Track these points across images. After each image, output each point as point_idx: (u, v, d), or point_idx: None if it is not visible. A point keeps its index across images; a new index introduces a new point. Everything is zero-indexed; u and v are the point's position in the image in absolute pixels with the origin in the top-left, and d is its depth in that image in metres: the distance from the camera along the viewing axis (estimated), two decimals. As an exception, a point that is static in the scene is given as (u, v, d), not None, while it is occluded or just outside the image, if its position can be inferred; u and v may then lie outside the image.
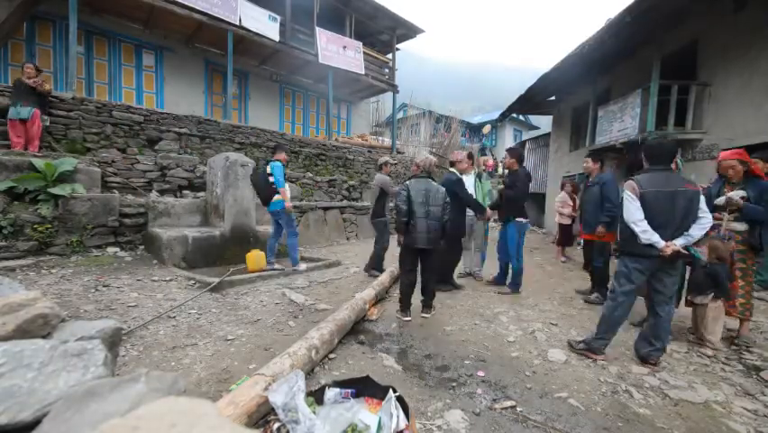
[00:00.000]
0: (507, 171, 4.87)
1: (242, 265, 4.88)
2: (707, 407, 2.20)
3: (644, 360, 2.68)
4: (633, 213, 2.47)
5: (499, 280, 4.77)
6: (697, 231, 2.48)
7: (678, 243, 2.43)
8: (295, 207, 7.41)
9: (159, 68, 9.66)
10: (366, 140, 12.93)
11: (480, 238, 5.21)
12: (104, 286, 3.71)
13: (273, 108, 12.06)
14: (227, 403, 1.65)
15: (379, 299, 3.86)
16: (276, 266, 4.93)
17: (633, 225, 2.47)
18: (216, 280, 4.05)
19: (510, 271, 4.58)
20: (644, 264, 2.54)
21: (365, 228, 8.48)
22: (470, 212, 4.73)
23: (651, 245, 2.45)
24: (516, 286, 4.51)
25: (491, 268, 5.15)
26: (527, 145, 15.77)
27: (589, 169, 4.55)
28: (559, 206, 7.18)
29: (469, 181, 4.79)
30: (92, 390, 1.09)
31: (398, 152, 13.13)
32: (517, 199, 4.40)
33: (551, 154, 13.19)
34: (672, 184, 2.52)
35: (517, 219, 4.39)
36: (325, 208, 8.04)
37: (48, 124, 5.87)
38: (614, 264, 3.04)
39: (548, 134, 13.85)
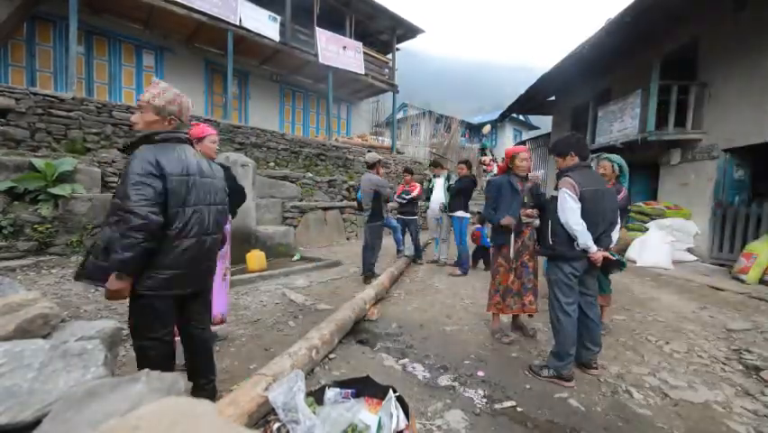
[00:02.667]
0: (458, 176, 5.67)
1: (242, 265, 4.88)
2: (707, 407, 2.20)
3: (587, 366, 2.54)
4: (572, 214, 2.30)
5: (456, 265, 5.47)
6: (615, 234, 2.51)
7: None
8: (295, 207, 7.44)
9: (159, 68, 9.65)
10: (366, 140, 12.92)
11: (445, 231, 5.80)
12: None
13: (273, 108, 12.06)
14: (228, 403, 1.65)
15: (378, 299, 3.86)
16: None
17: (573, 228, 2.29)
18: (216, 280, 4.04)
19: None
20: (578, 267, 2.39)
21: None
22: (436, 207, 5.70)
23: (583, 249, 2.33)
24: (463, 268, 5.28)
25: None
26: (527, 145, 15.76)
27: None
28: None
29: (439, 182, 5.79)
30: (92, 390, 1.09)
31: (398, 152, 13.13)
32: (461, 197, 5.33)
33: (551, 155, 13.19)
34: (599, 182, 2.48)
35: (458, 213, 5.30)
36: (325, 208, 8.04)
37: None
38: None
39: (548, 134, 13.85)
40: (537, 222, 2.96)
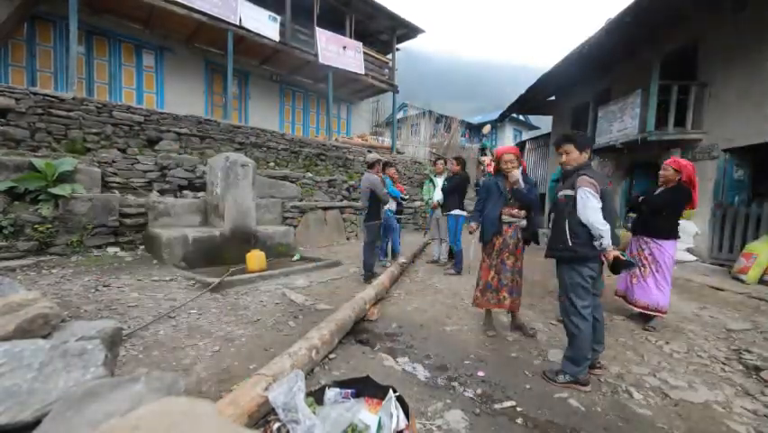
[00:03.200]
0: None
1: (242, 265, 4.88)
2: (707, 407, 2.20)
3: (591, 367, 2.49)
4: (596, 214, 2.22)
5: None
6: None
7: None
8: (295, 206, 7.44)
9: (159, 68, 9.66)
10: (366, 140, 12.92)
11: (444, 231, 5.74)
12: (104, 286, 3.71)
13: (273, 108, 12.06)
14: (228, 403, 1.65)
15: (378, 299, 3.86)
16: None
17: (599, 228, 2.21)
18: (216, 280, 4.05)
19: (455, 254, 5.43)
20: (595, 268, 2.34)
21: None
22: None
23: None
24: (457, 267, 5.28)
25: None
26: (527, 145, 15.75)
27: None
28: None
29: (439, 182, 5.81)
30: (92, 390, 1.09)
31: (398, 153, 13.12)
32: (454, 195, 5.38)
33: (551, 154, 13.19)
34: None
35: (454, 212, 5.30)
36: (325, 208, 8.04)
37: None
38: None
39: (548, 134, 13.83)
40: (524, 222, 3.15)
